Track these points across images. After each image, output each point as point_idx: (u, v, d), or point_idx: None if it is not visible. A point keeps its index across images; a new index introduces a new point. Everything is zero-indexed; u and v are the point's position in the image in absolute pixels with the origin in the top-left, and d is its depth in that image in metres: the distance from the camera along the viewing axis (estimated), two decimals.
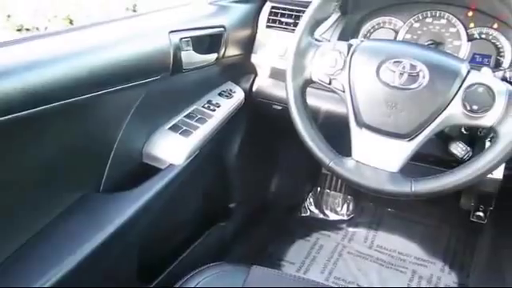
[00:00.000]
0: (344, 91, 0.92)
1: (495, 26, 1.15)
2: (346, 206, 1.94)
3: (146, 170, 1.10)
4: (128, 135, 1.05)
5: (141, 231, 1.08)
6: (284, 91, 0.99)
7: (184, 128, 1.17)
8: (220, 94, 1.32)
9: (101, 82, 0.89)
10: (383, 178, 0.87)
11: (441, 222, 1.82)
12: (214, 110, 1.25)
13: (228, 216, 1.58)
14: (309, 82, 0.97)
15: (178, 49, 1.07)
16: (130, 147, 1.09)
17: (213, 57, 1.21)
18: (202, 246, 1.44)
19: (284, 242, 1.78)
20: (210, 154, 1.27)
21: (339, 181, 1.94)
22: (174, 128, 1.17)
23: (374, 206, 1.92)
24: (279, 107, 1.34)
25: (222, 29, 1.22)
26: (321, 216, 1.94)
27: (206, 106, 1.26)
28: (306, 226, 1.87)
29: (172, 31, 1.07)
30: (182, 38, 1.08)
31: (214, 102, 1.27)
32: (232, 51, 1.29)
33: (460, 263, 1.68)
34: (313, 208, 1.96)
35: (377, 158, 0.89)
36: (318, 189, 1.97)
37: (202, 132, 1.19)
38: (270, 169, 1.82)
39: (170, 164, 1.11)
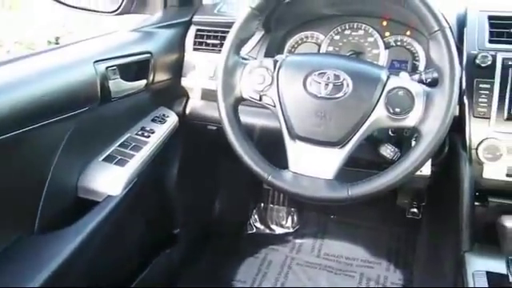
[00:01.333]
0: (275, 106, 0.95)
1: (408, 33, 1.24)
2: (290, 218, 1.97)
3: (83, 205, 1.06)
4: (60, 171, 1.01)
5: (83, 268, 1.04)
6: (217, 111, 1.00)
7: (119, 157, 1.14)
8: (153, 120, 1.30)
9: (25, 118, 0.86)
10: (320, 185, 0.90)
11: (381, 223, 1.89)
12: (149, 137, 1.23)
13: (173, 242, 1.55)
14: (240, 100, 0.99)
15: (104, 78, 1.05)
16: (63, 183, 1.05)
17: (142, 83, 1.20)
18: (150, 275, 1.40)
19: (233, 262, 1.77)
20: (148, 181, 1.25)
21: (281, 194, 1.96)
22: (109, 158, 1.14)
23: (317, 216, 1.96)
24: (214, 127, 1.34)
25: (148, 55, 1.22)
26: (267, 231, 1.95)
27: (140, 133, 1.24)
28: (254, 243, 1.87)
29: (97, 61, 1.05)
30: (108, 67, 1.07)
31: (147, 129, 1.26)
32: (161, 76, 1.29)
33: (403, 261, 1.74)
34: (258, 224, 1.97)
35: (312, 168, 0.91)
36: (262, 204, 1.99)
37: (138, 160, 1.17)
38: (211, 190, 1.81)
39: (108, 196, 1.08)
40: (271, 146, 0.96)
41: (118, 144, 1.19)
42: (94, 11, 1.40)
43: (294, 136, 0.93)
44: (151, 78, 1.23)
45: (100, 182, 1.10)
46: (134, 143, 1.20)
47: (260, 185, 1.92)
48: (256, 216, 1.98)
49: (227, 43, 0.98)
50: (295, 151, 0.93)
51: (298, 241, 1.89)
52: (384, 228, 1.87)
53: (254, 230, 1.95)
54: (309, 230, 1.92)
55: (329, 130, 0.90)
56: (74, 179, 1.08)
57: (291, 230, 1.94)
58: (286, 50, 1.33)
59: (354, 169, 0.98)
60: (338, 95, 0.89)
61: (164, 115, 1.33)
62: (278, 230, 1.95)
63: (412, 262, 1.71)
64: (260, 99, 0.96)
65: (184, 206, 1.57)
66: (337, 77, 0.90)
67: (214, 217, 1.83)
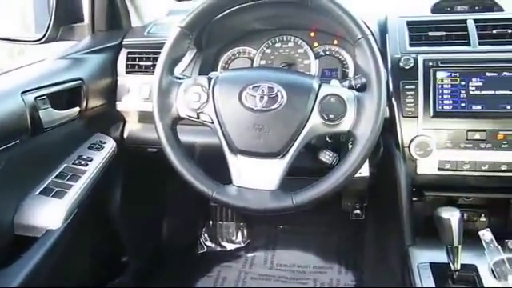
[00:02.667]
0: (213, 122, 0.95)
1: (335, 42, 1.29)
2: (240, 233, 1.96)
3: (21, 243, 1.01)
4: None
5: None
6: (155, 133, 0.98)
7: (56, 189, 1.11)
8: (90, 148, 1.27)
9: None
10: (265, 197, 0.91)
11: (329, 228, 1.92)
12: (87, 165, 1.20)
13: (123, 271, 1.51)
14: (177, 120, 0.98)
15: (34, 109, 1.02)
16: None
17: (75, 111, 1.17)
18: None
19: (187, 284, 1.74)
20: (90, 210, 1.21)
21: (229, 210, 1.96)
22: (46, 191, 1.10)
23: (266, 228, 1.97)
24: (154, 149, 1.32)
25: (79, 81, 1.19)
26: (218, 249, 1.94)
27: (77, 162, 1.20)
28: (206, 262, 1.85)
29: (25, 91, 1.02)
30: (37, 97, 1.04)
31: (84, 157, 1.22)
32: (95, 102, 1.26)
33: (353, 262, 1.78)
34: (209, 243, 1.95)
35: (256, 180, 0.92)
36: (211, 222, 1.97)
37: (77, 190, 1.13)
38: (158, 213, 1.78)
39: (47, 230, 1.04)
40: (214, 163, 0.96)
41: (54, 175, 1.15)
42: (18, 41, 1.35)
43: (235, 150, 0.94)
44: (84, 104, 1.20)
45: (38, 216, 1.05)
46: (72, 173, 1.17)
47: (207, 203, 1.91)
48: (206, 234, 1.96)
49: (159, 64, 0.98)
50: (237, 165, 0.94)
51: (249, 255, 1.89)
52: (332, 232, 1.91)
53: (205, 249, 1.94)
54: (260, 243, 1.93)
55: (268, 141, 0.91)
56: (9, 216, 1.03)
57: (242, 245, 1.94)
58: (219, 66, 1.34)
59: (297, 177, 0.99)
60: (273, 107, 0.91)
61: (101, 141, 1.30)
62: (229, 246, 1.94)
63: (361, 262, 1.75)
64: (197, 117, 0.97)
65: (131, 231, 1.53)
66: (271, 89, 0.92)
67: (163, 240, 1.79)
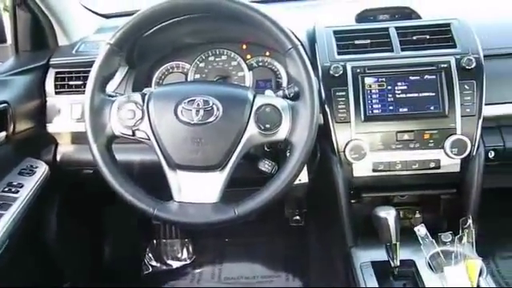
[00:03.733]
0: (149, 139, 0.94)
1: (267, 53, 1.31)
2: (185, 249, 1.93)
3: None
4: None
5: None
6: (90, 154, 0.95)
7: None
8: (20, 173, 1.21)
9: None
10: (207, 210, 0.91)
11: (274, 237, 1.94)
12: (17, 192, 1.15)
13: None
14: (112, 139, 0.96)
15: None
16: None
17: (1, 136, 1.12)
18: None
19: None
20: (24, 239, 1.15)
21: (172, 227, 1.93)
22: None
23: (212, 242, 1.96)
24: (90, 171, 1.28)
25: (5, 105, 1.13)
26: (164, 268, 1.90)
27: (7, 189, 1.15)
28: (152, 283, 1.81)
29: None
30: None
31: (15, 183, 1.17)
32: (23, 125, 1.20)
33: (299, 268, 1.81)
34: (154, 262, 1.90)
35: (196, 194, 0.92)
36: (154, 241, 1.93)
37: (8, 219, 1.07)
38: (98, 236, 1.72)
39: None
40: (153, 180, 0.95)
41: None
42: None
43: (174, 166, 0.93)
44: (11, 128, 1.15)
45: None
46: (2, 201, 1.11)
47: (149, 221, 1.87)
48: (150, 254, 1.91)
49: (90, 82, 0.95)
50: (177, 180, 0.93)
51: (196, 271, 1.87)
52: (277, 240, 1.93)
53: (151, 269, 1.89)
54: (206, 258, 1.91)
55: (206, 154, 0.91)
56: None
57: (188, 262, 1.91)
58: (153, 82, 1.32)
59: (238, 188, 1.00)
60: (210, 119, 0.91)
61: (32, 166, 1.25)
62: (175, 264, 1.91)
63: (307, 267, 1.78)
64: (133, 134, 0.95)
65: (70, 258, 1.47)
66: (206, 102, 0.92)
67: (105, 264, 1.73)
